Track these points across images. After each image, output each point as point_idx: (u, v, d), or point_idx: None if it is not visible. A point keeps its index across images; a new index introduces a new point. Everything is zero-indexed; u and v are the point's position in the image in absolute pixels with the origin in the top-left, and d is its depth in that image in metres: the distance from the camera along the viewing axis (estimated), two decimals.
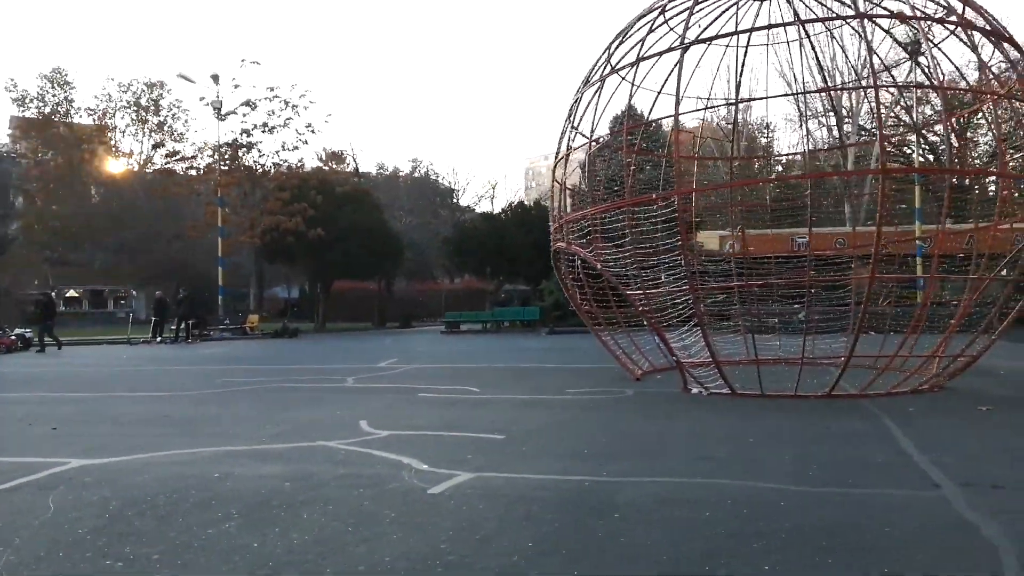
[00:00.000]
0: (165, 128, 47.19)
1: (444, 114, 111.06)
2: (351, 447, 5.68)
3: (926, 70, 8.49)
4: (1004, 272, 9.54)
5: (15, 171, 47.38)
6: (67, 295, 49.85)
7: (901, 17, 8.29)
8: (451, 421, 6.96)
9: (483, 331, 30.72)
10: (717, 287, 11.06)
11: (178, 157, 38.23)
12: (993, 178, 12.40)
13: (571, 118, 9.87)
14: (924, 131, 28.56)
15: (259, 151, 34.36)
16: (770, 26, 8.97)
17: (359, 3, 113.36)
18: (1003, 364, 11.06)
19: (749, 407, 7.56)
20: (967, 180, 14.71)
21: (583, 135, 9.83)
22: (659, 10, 8.92)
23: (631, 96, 9.15)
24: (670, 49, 8.60)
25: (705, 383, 8.72)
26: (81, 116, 45.75)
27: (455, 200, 62.34)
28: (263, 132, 33.88)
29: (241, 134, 33.63)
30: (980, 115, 18.58)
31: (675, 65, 8.15)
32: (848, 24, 9.08)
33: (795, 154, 28.29)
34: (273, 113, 33.75)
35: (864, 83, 11.45)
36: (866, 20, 8.38)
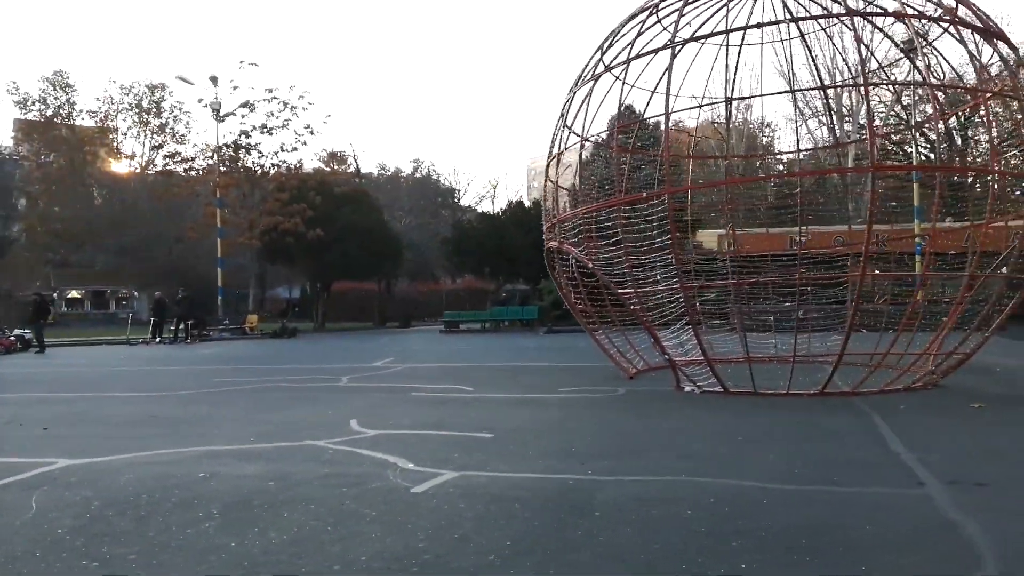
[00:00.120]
0: (167, 130, 47.30)
1: (446, 114, 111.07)
2: (339, 446, 5.68)
3: (922, 69, 8.46)
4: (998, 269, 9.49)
5: (17, 173, 47.59)
6: (69, 296, 50.00)
7: (893, 14, 8.27)
8: (441, 420, 6.95)
9: (482, 331, 30.72)
10: (707, 285, 11.05)
11: (178, 158, 38.36)
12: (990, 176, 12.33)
13: (564, 117, 9.87)
14: (924, 130, 28.45)
15: (259, 152, 34.45)
16: (761, 24, 8.95)
17: (360, 3, 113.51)
18: (999, 361, 11.03)
19: (741, 405, 7.54)
20: (968, 178, 14.66)
21: (576, 134, 9.82)
22: (651, 10, 8.90)
23: (622, 95, 9.12)
24: (662, 48, 8.59)
25: (698, 381, 8.71)
26: (83, 118, 45.96)
27: (456, 200, 62.33)
28: (262, 133, 33.98)
29: (240, 135, 33.71)
30: (979, 114, 18.51)
31: (667, 65, 8.15)
32: (841, 22, 9.05)
33: (790, 153, 28.23)
34: (272, 114, 33.84)
35: (857, 81, 11.41)
36: (859, 17, 8.36)
